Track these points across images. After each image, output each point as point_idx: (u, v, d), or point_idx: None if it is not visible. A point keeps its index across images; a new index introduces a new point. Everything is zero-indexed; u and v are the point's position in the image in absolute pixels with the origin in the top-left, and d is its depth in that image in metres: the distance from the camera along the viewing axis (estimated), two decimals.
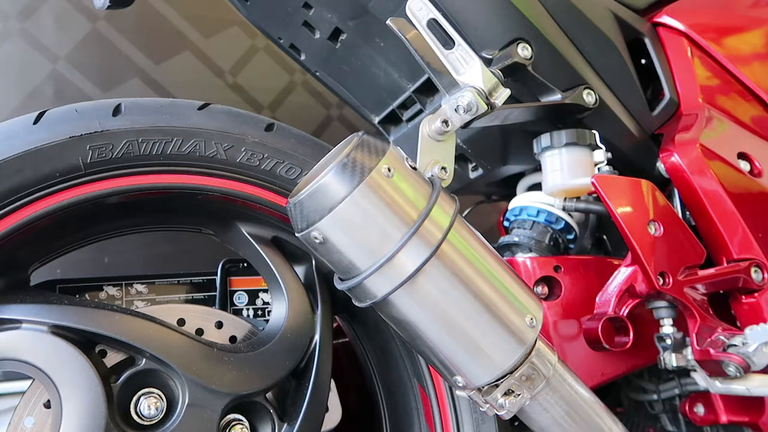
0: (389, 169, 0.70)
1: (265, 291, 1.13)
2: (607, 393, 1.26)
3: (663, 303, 1.04)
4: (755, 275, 1.06)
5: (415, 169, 0.75)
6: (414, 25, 0.79)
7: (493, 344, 0.74)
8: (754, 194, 1.11)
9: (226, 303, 1.12)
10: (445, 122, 0.80)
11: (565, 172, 1.08)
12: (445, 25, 0.80)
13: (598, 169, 1.09)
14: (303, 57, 1.26)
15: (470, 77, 0.80)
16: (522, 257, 1.10)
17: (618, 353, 1.04)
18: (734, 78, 1.22)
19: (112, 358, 0.82)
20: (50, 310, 0.79)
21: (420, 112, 1.21)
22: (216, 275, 1.12)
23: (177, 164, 0.87)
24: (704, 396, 1.12)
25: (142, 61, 1.71)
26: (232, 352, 0.85)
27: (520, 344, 0.75)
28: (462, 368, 0.75)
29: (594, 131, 1.09)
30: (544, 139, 1.09)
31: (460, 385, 0.77)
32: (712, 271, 1.05)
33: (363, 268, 0.71)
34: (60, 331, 0.78)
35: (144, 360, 0.81)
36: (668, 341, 1.02)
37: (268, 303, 1.13)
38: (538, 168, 1.16)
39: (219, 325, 0.93)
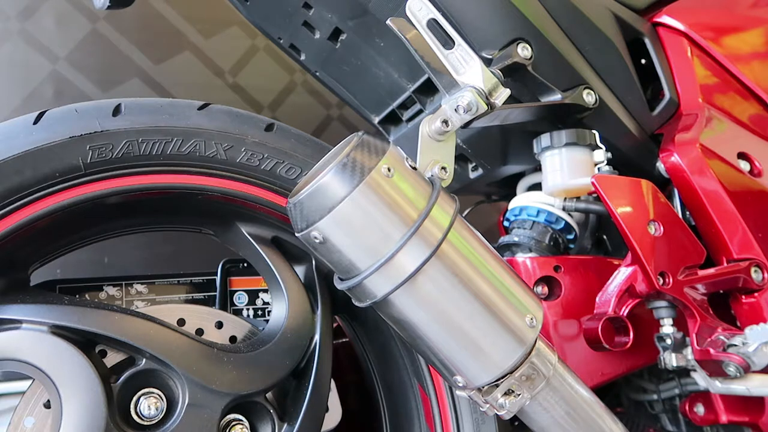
0: (389, 169, 0.70)
1: (265, 291, 1.13)
2: (607, 393, 1.26)
3: (663, 303, 1.04)
4: (755, 275, 1.06)
5: (415, 169, 0.75)
6: (414, 25, 0.79)
7: (493, 344, 0.74)
8: (754, 194, 1.11)
9: (226, 303, 1.12)
10: (445, 122, 0.80)
11: (565, 172, 1.08)
12: (445, 25, 0.80)
13: (598, 169, 1.09)
14: (303, 57, 1.26)
15: (470, 77, 0.80)
16: (522, 257, 1.10)
17: (618, 353, 1.04)
18: (734, 78, 1.22)
19: (112, 358, 0.82)
20: (50, 310, 0.79)
21: (420, 112, 1.21)
22: (216, 275, 1.12)
23: (177, 164, 0.87)
24: (704, 396, 1.12)
25: (142, 61, 1.71)
26: (232, 352, 0.85)
27: (520, 344, 0.75)
28: (462, 368, 0.75)
29: (594, 131, 1.09)
30: (544, 139, 1.09)
31: (460, 385, 0.77)
32: (712, 271, 1.05)
33: (363, 268, 0.71)
34: (60, 331, 0.78)
35: (144, 360, 0.81)
36: (668, 341, 1.02)
37: (268, 303, 1.13)
38: (538, 168, 1.16)
39: (219, 325, 0.93)
